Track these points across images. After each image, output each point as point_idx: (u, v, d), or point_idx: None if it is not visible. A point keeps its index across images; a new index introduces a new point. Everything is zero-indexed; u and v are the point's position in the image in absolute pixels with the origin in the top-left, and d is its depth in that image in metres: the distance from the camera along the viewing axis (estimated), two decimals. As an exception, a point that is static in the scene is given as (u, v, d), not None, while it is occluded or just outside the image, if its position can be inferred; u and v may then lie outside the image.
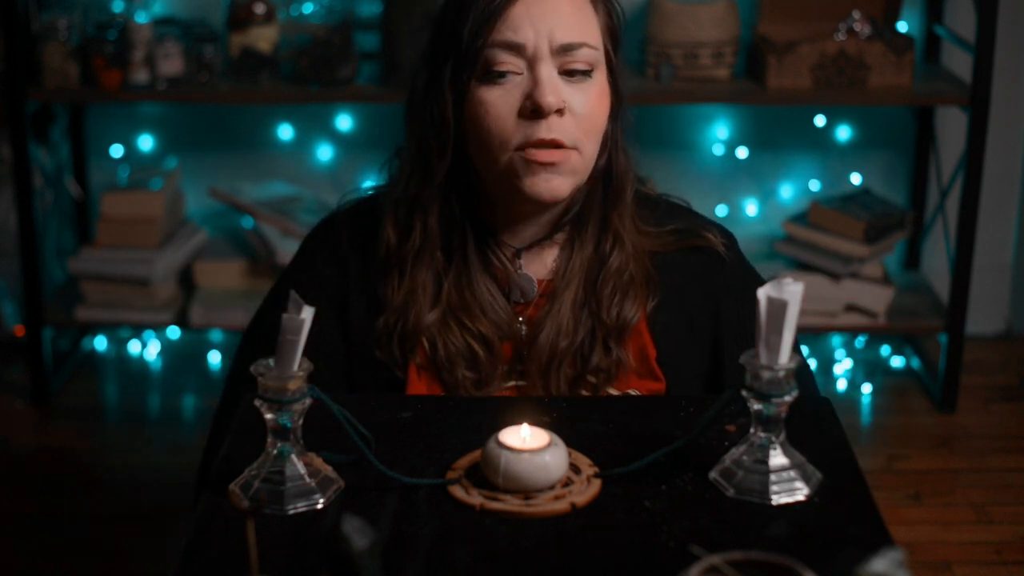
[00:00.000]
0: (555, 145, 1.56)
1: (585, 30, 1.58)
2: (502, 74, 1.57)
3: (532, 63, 1.57)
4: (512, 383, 1.66)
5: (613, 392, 1.66)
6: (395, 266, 1.66)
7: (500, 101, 1.57)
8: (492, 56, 1.57)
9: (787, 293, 1.33)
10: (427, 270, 1.65)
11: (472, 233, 1.66)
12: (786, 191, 3.54)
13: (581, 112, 1.58)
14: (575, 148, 1.58)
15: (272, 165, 3.51)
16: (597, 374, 1.65)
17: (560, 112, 1.56)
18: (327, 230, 1.73)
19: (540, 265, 1.69)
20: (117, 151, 3.51)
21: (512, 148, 1.57)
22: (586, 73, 1.58)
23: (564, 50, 1.57)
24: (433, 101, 1.61)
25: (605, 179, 1.66)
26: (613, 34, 1.64)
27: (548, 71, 1.56)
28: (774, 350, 1.34)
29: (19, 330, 3.49)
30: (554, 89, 1.56)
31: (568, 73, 1.58)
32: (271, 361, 1.34)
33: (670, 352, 1.68)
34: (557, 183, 1.58)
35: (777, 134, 3.51)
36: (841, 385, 3.45)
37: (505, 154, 1.58)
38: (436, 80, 1.61)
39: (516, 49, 1.56)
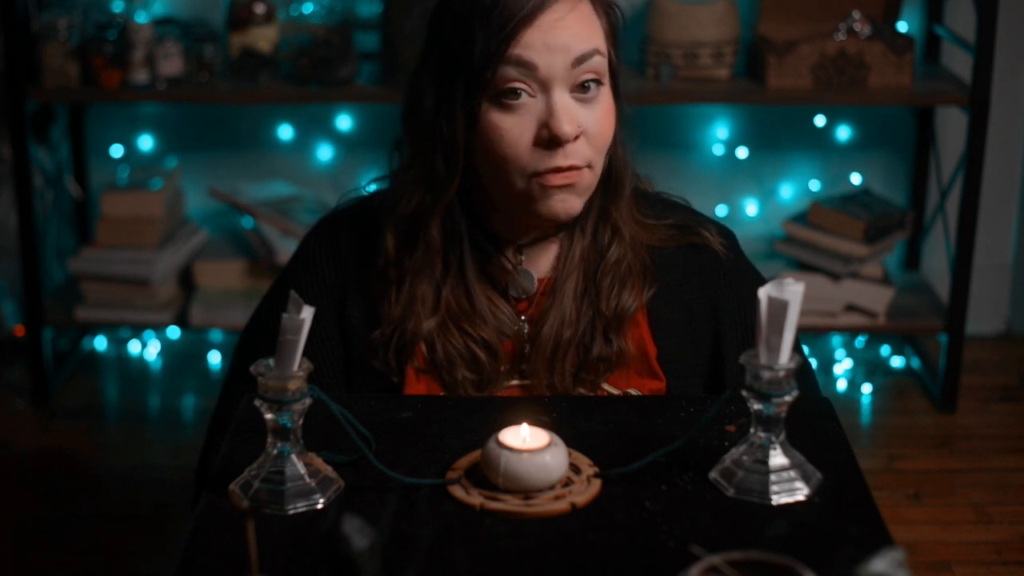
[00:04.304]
0: (571, 168, 1.56)
1: (595, 38, 1.57)
2: (515, 93, 1.54)
3: (546, 87, 1.54)
4: (515, 381, 1.66)
5: (613, 392, 1.66)
6: (393, 280, 1.65)
7: (515, 129, 1.55)
8: (504, 73, 1.53)
9: (788, 293, 1.33)
10: (427, 282, 1.64)
11: (471, 240, 1.65)
12: (786, 191, 3.54)
13: (594, 132, 1.57)
14: (588, 166, 1.58)
15: (272, 165, 3.51)
16: (599, 364, 1.65)
17: (576, 138, 1.56)
18: (327, 228, 1.73)
19: (540, 263, 1.69)
20: (117, 151, 3.51)
21: (528, 175, 1.56)
22: (598, 83, 1.57)
23: (579, 62, 1.54)
24: (443, 124, 1.58)
25: (604, 174, 1.66)
26: (615, 37, 1.63)
27: (562, 98, 1.54)
28: (774, 350, 1.34)
29: (19, 330, 3.49)
30: (571, 117, 1.54)
31: (581, 87, 1.55)
32: (271, 361, 1.34)
33: (670, 350, 1.68)
34: (572, 202, 1.58)
35: (777, 134, 3.51)
36: (841, 385, 3.44)
37: (521, 180, 1.56)
38: (446, 102, 1.57)
39: (528, 67, 1.53)
